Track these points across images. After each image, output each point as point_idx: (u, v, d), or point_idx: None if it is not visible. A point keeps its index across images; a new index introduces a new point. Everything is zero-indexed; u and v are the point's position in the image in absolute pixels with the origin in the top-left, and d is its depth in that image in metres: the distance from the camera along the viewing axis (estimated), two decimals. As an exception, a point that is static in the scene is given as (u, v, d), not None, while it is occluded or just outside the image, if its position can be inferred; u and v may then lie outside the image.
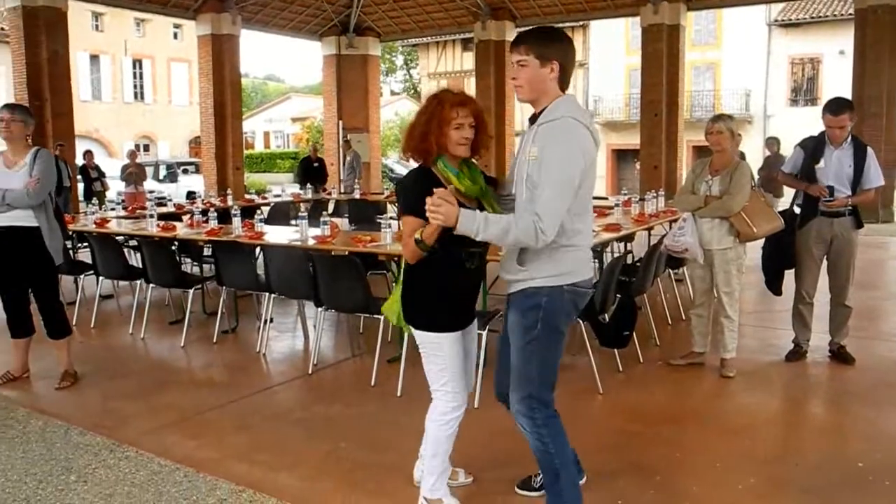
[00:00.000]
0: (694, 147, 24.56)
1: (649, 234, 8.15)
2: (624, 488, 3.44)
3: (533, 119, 2.84)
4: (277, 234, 6.63)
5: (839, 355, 5.39)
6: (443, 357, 3.03)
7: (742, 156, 12.35)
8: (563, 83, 2.81)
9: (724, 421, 4.38)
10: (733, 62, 28.15)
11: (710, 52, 28.64)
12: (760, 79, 27.87)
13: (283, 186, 16.26)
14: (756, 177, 11.01)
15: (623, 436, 4.13)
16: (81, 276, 7.27)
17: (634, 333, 5.01)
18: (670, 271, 6.89)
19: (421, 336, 3.04)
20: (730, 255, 5.04)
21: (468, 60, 29.96)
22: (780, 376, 5.22)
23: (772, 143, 12.88)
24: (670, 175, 16.05)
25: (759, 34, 27.52)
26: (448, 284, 2.99)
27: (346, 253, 5.66)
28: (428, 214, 2.58)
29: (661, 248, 5.57)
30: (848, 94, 9.33)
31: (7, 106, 4.97)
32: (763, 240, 5.24)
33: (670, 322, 6.62)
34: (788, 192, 5.93)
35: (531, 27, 2.91)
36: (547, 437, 2.86)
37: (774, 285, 5.56)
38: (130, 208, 10.30)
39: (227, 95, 17.71)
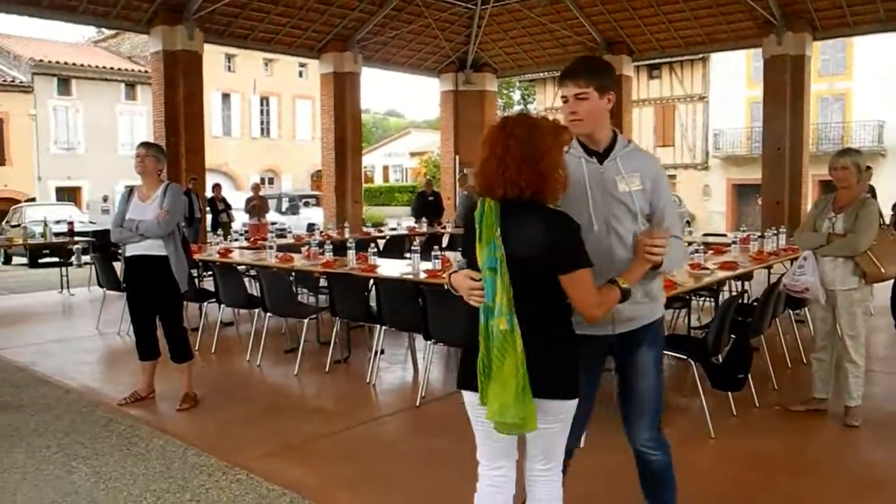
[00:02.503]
0: (820, 182, 23.42)
1: (769, 273, 7.83)
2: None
3: (591, 152, 2.74)
4: (390, 267, 6.77)
5: None
6: (570, 422, 2.56)
7: (872, 191, 11.74)
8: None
9: (847, 475, 4.12)
10: (865, 92, 26.78)
11: (838, 83, 27.38)
12: (895, 109, 26.35)
13: (398, 220, 16.59)
14: (887, 213, 10.41)
15: (736, 485, 3.96)
16: (205, 304, 7.63)
17: (750, 376, 4.82)
18: (790, 312, 6.58)
19: (566, 406, 2.49)
20: (855, 297, 4.78)
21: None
22: (913, 428, 4.87)
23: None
24: (793, 211, 15.35)
25: (893, 62, 26.05)
26: (575, 337, 2.56)
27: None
28: (649, 254, 2.55)
29: (779, 288, 5.34)
30: None
31: (143, 144, 5.42)
32: (894, 280, 4.93)
33: (790, 365, 6.31)
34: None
35: (579, 58, 2.83)
36: (668, 444, 2.94)
37: None
38: (252, 239, 10.76)
39: (347, 131, 18.27)
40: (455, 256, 11.54)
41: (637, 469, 2.99)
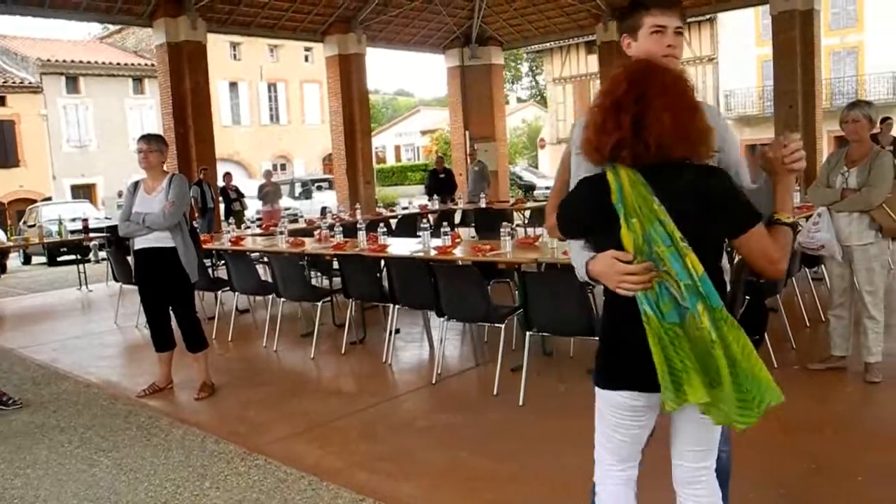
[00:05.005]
0: (836, 138, 23.04)
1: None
2: (755, 501, 3.26)
3: None
4: (400, 246, 6.74)
5: None
6: None
7: (894, 142, 11.52)
8: None
9: (867, 431, 4.08)
10: (878, 44, 26.25)
11: (850, 36, 26.89)
12: (910, 60, 25.85)
13: (410, 199, 16.55)
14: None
15: (755, 445, 3.91)
16: (220, 292, 7.65)
17: (767, 337, 4.75)
18: (807, 270, 6.50)
19: None
20: (872, 252, 4.70)
21: (592, 63, 29.55)
22: (936, 381, 4.80)
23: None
24: (809, 169, 15.09)
25: (906, 12, 25.52)
26: None
27: (470, 263, 5.69)
28: (791, 165, 2.11)
29: (794, 246, 5.26)
30: None
31: (144, 137, 5.32)
32: None
33: (808, 324, 6.24)
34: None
35: None
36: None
37: None
38: (265, 226, 10.77)
39: (355, 112, 18.21)
40: (470, 232, 11.53)
41: None
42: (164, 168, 5.40)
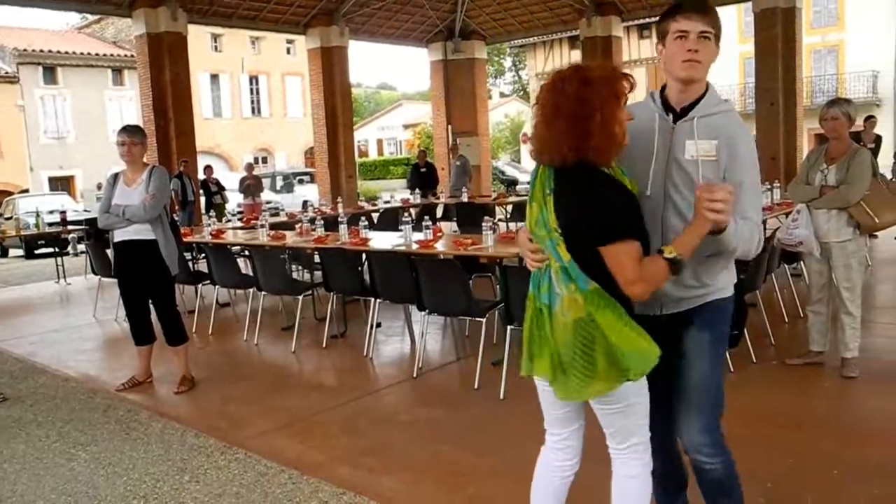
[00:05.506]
0: (816, 135, 23.29)
1: (764, 228, 7.79)
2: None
3: (667, 104, 2.42)
4: (382, 240, 6.73)
5: None
6: (646, 400, 2.34)
7: (878, 140, 11.64)
8: None
9: (844, 426, 4.13)
10: (858, 43, 26.57)
11: (831, 35, 27.17)
12: (889, 58, 26.16)
13: (392, 193, 16.53)
14: (887, 163, 10.32)
15: (733, 441, 3.92)
16: (200, 286, 7.61)
17: (747, 332, 4.80)
18: (786, 266, 6.56)
19: (631, 387, 2.27)
20: (849, 248, 4.74)
21: (575, 58, 29.56)
22: (912, 377, 4.86)
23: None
24: (789, 166, 15.25)
25: (885, 11, 25.81)
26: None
27: (452, 257, 5.69)
28: (708, 212, 2.09)
29: (774, 242, 5.31)
30: None
31: (126, 130, 5.22)
32: None
33: (787, 319, 6.30)
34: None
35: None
36: (728, 451, 2.55)
37: None
38: (246, 219, 10.71)
39: (338, 106, 18.15)
40: (451, 227, 11.54)
41: (696, 479, 2.62)
42: (145, 160, 5.35)
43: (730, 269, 2.51)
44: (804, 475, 3.49)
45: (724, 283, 2.48)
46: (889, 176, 5.23)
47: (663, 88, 2.46)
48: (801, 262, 5.80)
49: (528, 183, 2.47)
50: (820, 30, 26.88)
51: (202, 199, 15.30)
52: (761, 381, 4.86)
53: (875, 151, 9.75)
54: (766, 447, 3.80)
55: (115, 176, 5.30)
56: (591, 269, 2.19)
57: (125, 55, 29.84)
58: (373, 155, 48.32)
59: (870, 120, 11.70)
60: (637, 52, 31.29)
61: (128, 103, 30.05)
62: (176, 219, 7.44)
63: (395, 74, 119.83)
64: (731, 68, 28.96)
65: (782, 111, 15.25)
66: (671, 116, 2.40)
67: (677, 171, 2.35)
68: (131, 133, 5.19)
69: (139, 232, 5.13)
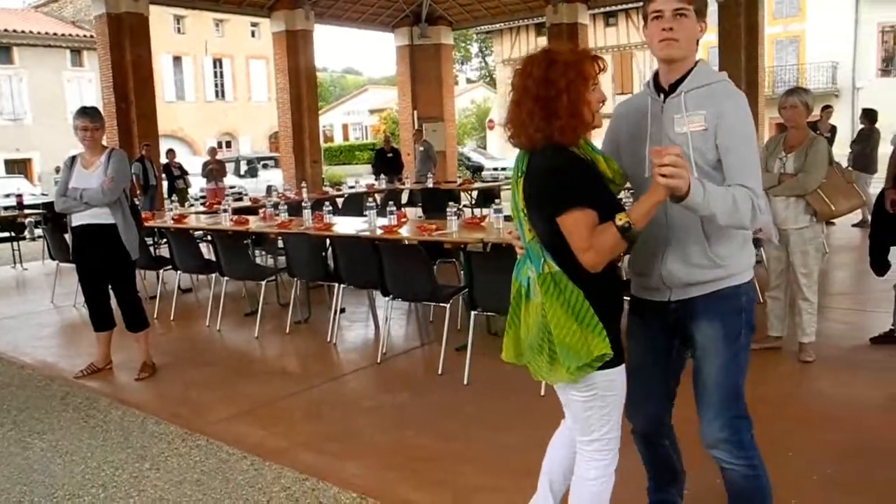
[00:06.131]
0: (777, 124, 23.62)
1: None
2: (688, 479, 3.33)
3: (659, 86, 2.40)
4: (346, 225, 6.70)
5: None
6: (614, 396, 2.30)
7: (833, 130, 11.83)
8: None
9: (800, 408, 4.21)
10: (818, 34, 26.99)
11: (792, 25, 27.54)
12: (848, 50, 26.64)
13: (356, 178, 16.44)
14: (843, 152, 10.50)
15: (689, 424, 3.99)
16: (162, 271, 7.51)
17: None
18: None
19: (593, 379, 2.24)
20: (807, 235, 4.83)
21: (542, 45, 29.56)
22: (866, 362, 4.95)
23: (867, 115, 12.15)
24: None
25: (845, 3, 26.26)
26: (616, 296, 2.32)
27: (416, 242, 5.69)
28: (661, 177, 2.00)
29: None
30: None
31: (85, 114, 5.07)
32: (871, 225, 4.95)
33: (748, 306, 6.39)
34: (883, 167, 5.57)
35: None
36: (756, 458, 2.45)
37: (877, 264, 5.25)
38: (209, 203, 10.58)
39: (302, 90, 17.97)
40: (417, 212, 11.52)
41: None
42: (104, 143, 5.25)
43: (745, 250, 2.40)
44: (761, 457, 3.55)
45: (739, 266, 2.37)
46: (845, 164, 5.31)
47: (656, 72, 2.46)
48: (762, 249, 5.88)
49: (503, 170, 2.54)
50: (782, 20, 27.23)
51: (164, 184, 15.09)
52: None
53: (831, 141, 9.92)
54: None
55: (73, 159, 5.19)
56: (557, 248, 2.20)
57: (84, 35, 29.22)
58: (338, 140, 48.03)
59: (826, 110, 11.87)
60: (603, 39, 31.43)
61: (87, 85, 29.45)
62: (137, 203, 7.32)
63: (361, 59, 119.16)
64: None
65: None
66: (662, 96, 2.38)
67: (688, 143, 2.29)
68: (92, 117, 5.06)
69: (98, 216, 5.03)
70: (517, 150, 2.31)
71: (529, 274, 2.26)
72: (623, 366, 2.30)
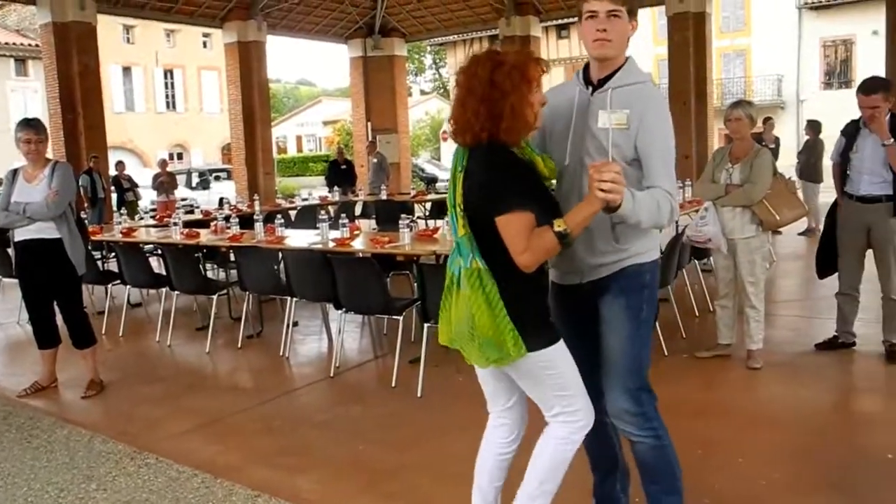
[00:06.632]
0: (726, 135, 24.14)
1: (676, 225, 8.02)
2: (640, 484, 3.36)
3: (588, 79, 2.50)
4: (298, 238, 6.65)
5: (889, 354, 5.02)
6: (558, 373, 2.40)
7: (777, 141, 12.11)
8: None
9: (749, 414, 4.29)
10: (764, 48, 27.71)
11: (739, 39, 28.22)
12: (792, 63, 27.40)
13: (310, 190, 16.34)
14: (789, 163, 10.75)
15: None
16: (110, 286, 7.36)
17: (659, 326, 4.96)
18: (696, 262, 6.77)
19: (529, 361, 2.34)
20: (753, 244, 4.93)
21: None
22: (811, 368, 5.07)
23: (812, 127, 12.43)
24: (701, 164, 15.72)
25: (789, 18, 27.06)
26: (545, 282, 2.49)
27: (369, 255, 5.67)
28: (598, 191, 2.12)
29: (683, 239, 5.47)
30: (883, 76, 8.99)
31: (29, 126, 4.92)
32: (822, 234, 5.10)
33: (697, 314, 6.50)
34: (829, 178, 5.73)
35: None
36: (661, 429, 2.59)
37: (821, 268, 5.39)
38: (159, 216, 10.41)
39: (255, 101, 17.83)
40: (370, 224, 11.48)
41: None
42: (48, 155, 5.13)
43: (648, 234, 2.51)
44: (712, 463, 3.61)
45: (641, 247, 2.51)
46: (788, 175, 5.46)
47: (587, 66, 2.55)
48: (711, 259, 5.99)
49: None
50: (729, 34, 27.86)
51: (113, 196, 14.81)
52: (673, 375, 4.99)
53: (775, 152, 10.16)
54: (676, 438, 3.87)
55: (14, 172, 5.05)
56: (488, 244, 2.30)
57: (29, 44, 28.56)
58: (292, 152, 47.67)
59: (769, 121, 12.17)
60: (556, 51, 31.79)
61: (32, 95, 28.76)
62: (84, 216, 7.17)
63: (315, 70, 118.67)
64: (645, 69, 29.56)
65: (694, 111, 15.74)
66: (590, 89, 2.48)
67: (591, 141, 2.43)
68: (37, 129, 4.92)
69: (42, 230, 4.91)
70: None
71: (460, 264, 2.34)
72: (559, 343, 2.39)
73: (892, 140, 4.72)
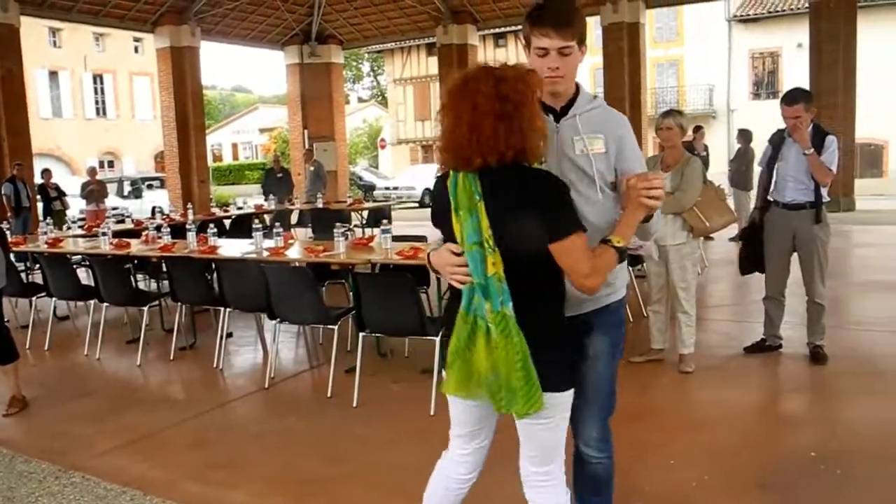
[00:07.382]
0: (660, 144, 24.73)
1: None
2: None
3: (548, 109, 2.38)
4: (231, 248, 6.54)
5: (813, 355, 5.20)
6: (566, 418, 2.26)
7: (707, 150, 12.42)
8: None
9: (680, 417, 4.38)
10: (696, 58, 28.44)
11: (672, 49, 28.90)
12: (723, 74, 28.18)
13: (245, 199, 16.12)
14: (720, 171, 11.04)
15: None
16: (35, 298, 7.12)
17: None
18: (630, 269, 6.87)
19: (559, 399, 2.18)
20: (684, 251, 5.04)
21: (433, 65, 29.93)
22: (740, 371, 5.20)
23: (743, 135, 12.76)
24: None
25: (719, 30, 27.84)
26: (563, 331, 2.25)
27: (304, 264, 5.61)
28: (646, 199, 2.10)
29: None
30: (807, 87, 9.31)
31: None
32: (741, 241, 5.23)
33: (631, 319, 6.57)
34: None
35: (562, 7, 2.37)
36: (612, 448, 2.65)
37: (743, 266, 5.53)
38: (88, 226, 10.12)
39: (189, 108, 17.54)
40: (307, 233, 11.37)
41: (573, 470, 2.64)
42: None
43: (624, 268, 2.52)
44: (644, 466, 3.66)
45: (621, 283, 2.51)
46: (719, 183, 5.59)
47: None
48: (644, 265, 6.10)
49: (431, 197, 2.38)
50: (662, 44, 28.50)
51: (39, 206, 14.36)
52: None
53: (706, 160, 10.42)
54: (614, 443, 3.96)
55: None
56: (524, 278, 2.10)
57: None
58: (227, 159, 47.03)
59: (699, 130, 12.49)
60: (493, 60, 32.01)
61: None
62: (6, 227, 6.93)
63: (251, 77, 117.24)
64: (581, 79, 29.53)
65: (629, 120, 16.06)
66: (551, 117, 2.40)
67: (570, 168, 2.35)
68: None
69: (-41, 241, 4.73)
70: (419, 171, 2.25)
71: (485, 308, 2.10)
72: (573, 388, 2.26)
73: (812, 149, 4.88)
